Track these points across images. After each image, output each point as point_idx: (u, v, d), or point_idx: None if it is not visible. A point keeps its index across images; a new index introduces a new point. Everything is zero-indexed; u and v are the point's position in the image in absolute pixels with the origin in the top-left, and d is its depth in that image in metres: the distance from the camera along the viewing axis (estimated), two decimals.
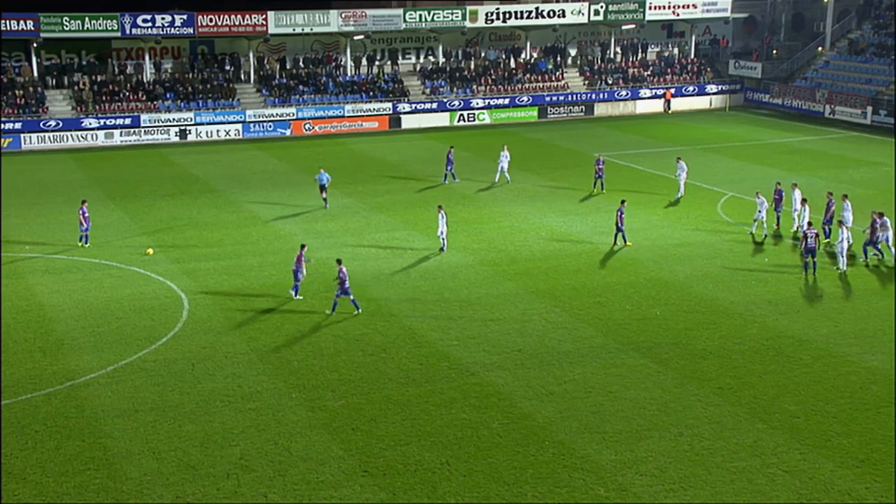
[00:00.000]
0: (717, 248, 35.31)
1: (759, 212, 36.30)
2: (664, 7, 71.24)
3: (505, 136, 58.53)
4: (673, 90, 69.90)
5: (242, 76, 65.31)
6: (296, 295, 30.24)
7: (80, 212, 35.95)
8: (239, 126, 61.27)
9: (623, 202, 36.41)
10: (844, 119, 62.10)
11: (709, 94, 71.14)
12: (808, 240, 31.64)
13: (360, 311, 28.89)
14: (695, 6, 71.75)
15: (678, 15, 71.93)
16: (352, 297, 28.85)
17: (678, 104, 69.67)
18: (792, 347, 26.11)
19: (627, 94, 69.77)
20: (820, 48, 71.53)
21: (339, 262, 29.02)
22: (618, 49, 73.30)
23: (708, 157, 52.77)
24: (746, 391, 23.45)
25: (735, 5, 73.42)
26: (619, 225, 35.40)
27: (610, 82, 70.24)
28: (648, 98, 69.82)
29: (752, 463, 20.12)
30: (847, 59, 68.27)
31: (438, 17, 66.64)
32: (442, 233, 34.87)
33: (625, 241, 35.66)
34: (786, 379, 24.12)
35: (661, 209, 41.07)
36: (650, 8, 70.82)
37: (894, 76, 63.25)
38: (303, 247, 30.66)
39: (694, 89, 70.82)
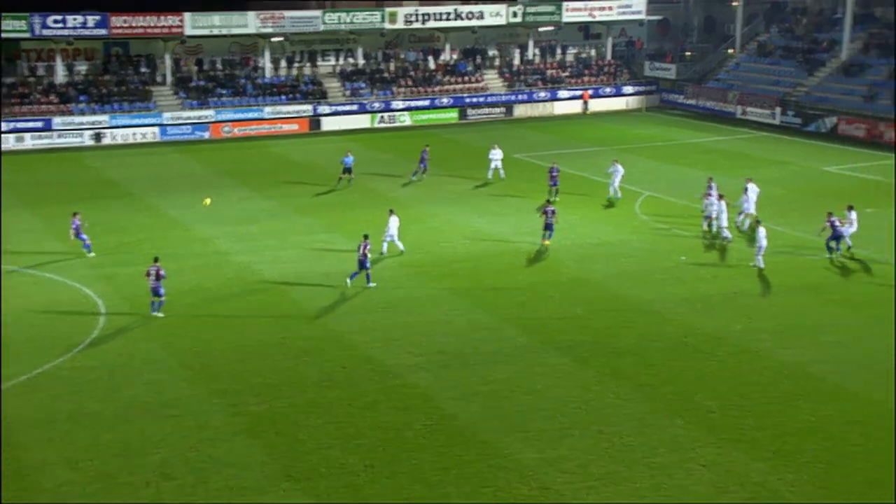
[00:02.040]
0: (636, 248, 35.87)
1: (708, 211, 36.70)
2: (581, 9, 72.20)
3: (426, 137, 58.53)
4: (590, 91, 70.81)
5: (158, 78, 64.16)
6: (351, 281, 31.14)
7: (73, 225, 34.50)
8: (156, 129, 60.17)
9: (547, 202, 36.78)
10: (755, 119, 63.66)
11: (625, 94, 72.24)
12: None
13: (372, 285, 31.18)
14: (611, 8, 72.83)
15: (594, 17, 72.94)
16: (368, 271, 31.21)
17: (596, 105, 70.59)
18: (708, 343, 26.66)
19: (546, 95, 70.46)
20: (731, 50, 73.23)
21: (365, 237, 31.38)
22: (536, 51, 74.02)
23: (625, 157, 53.44)
24: (665, 387, 23.88)
25: (649, 8, 74.72)
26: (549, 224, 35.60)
27: (529, 84, 70.88)
28: (567, 99, 70.61)
29: (671, 458, 20.49)
30: (756, 60, 70.02)
31: (358, 19, 66.43)
32: (391, 236, 34.53)
33: (544, 241, 35.96)
34: (702, 374, 24.63)
35: (581, 209, 41.57)
36: (567, 10, 71.69)
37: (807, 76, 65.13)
38: (366, 237, 31.42)
39: (611, 90, 71.87)
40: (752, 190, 38.08)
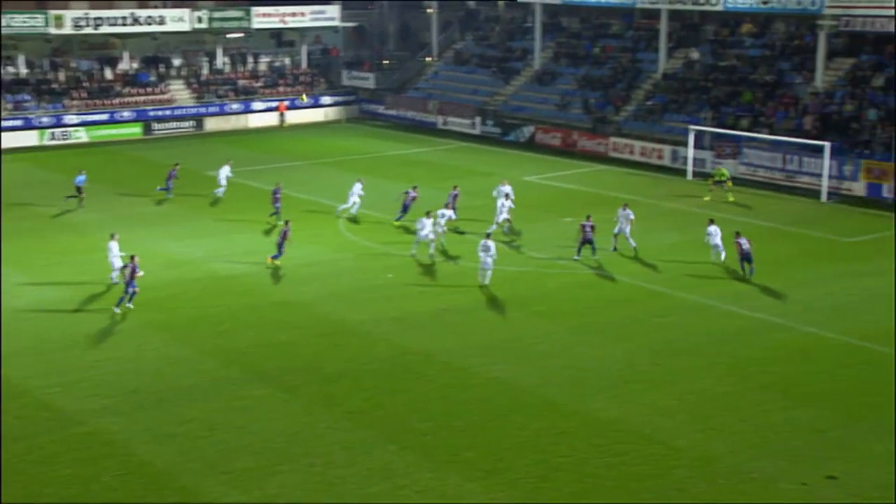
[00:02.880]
0: (342, 266, 36.26)
1: (422, 232, 36.51)
2: (272, 15, 72.09)
3: (106, 154, 56.17)
4: (287, 102, 70.85)
5: None
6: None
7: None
8: None
9: (588, 216, 36.84)
10: (456, 129, 66.38)
11: (324, 105, 72.92)
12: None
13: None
14: (303, 14, 73.30)
15: (287, 23, 73.14)
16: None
17: (293, 117, 70.69)
18: (419, 363, 27.40)
19: (239, 107, 69.74)
20: (428, 58, 75.99)
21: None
22: (226, 59, 73.10)
23: (326, 171, 54.10)
24: (377, 412, 24.27)
25: (344, 14, 75.98)
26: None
27: (220, 95, 69.85)
28: (262, 111, 70.23)
29: (384, 487, 20.84)
30: (454, 69, 73.13)
31: (16, 22, 62.43)
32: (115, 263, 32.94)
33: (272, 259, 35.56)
34: (414, 396, 25.28)
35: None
36: (257, 15, 71.36)
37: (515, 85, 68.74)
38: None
39: (308, 101, 72.29)
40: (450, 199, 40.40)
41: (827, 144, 47.06)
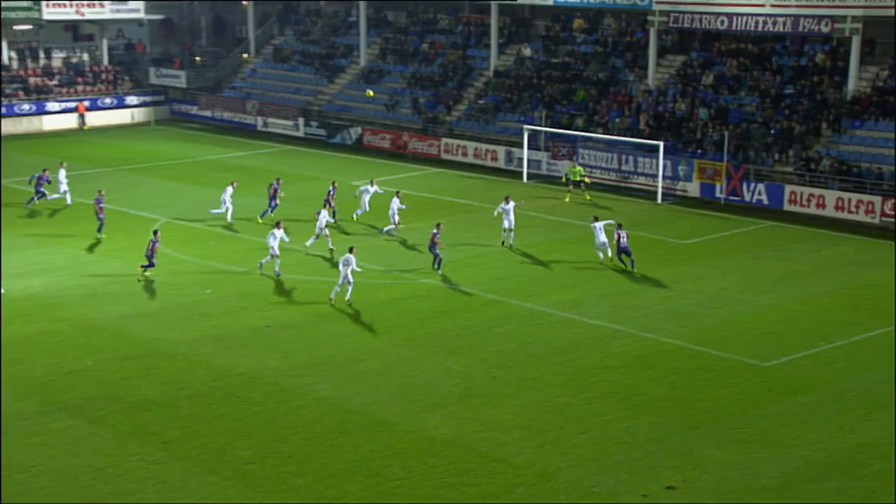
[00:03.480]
0: (155, 282, 35.42)
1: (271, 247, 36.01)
2: (66, 5, 69.68)
3: None
4: (87, 103, 68.73)
5: None
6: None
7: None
8: None
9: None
10: (279, 132, 65.85)
11: (130, 106, 71.03)
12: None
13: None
14: (102, 5, 71.19)
15: (83, 15, 70.89)
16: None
17: (94, 119, 68.65)
18: (242, 386, 27.02)
19: (31, 107, 67.20)
20: (245, 55, 75.12)
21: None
22: (13, 54, 70.25)
23: (134, 178, 52.76)
24: (195, 441, 23.80)
25: (149, 6, 74.24)
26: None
27: (7, 94, 67.06)
28: (58, 112, 67.90)
29: None
30: (274, 66, 72.55)
31: None
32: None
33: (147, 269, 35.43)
34: (238, 422, 24.91)
35: (85, 240, 40.21)
36: (49, 6, 68.80)
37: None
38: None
39: (112, 101, 70.27)
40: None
41: (661, 144, 48.98)
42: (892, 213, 43.35)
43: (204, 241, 40.72)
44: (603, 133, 53.55)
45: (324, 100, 67.71)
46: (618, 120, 54.38)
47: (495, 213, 40.50)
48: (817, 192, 45.60)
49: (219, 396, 26.39)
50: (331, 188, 43.29)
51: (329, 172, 53.91)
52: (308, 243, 38.79)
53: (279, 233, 36.11)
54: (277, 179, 44.34)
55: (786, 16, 50.17)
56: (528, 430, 24.55)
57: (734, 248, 40.65)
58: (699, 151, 50.55)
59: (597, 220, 38.23)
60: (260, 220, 42.77)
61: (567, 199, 48.05)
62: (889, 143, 46.56)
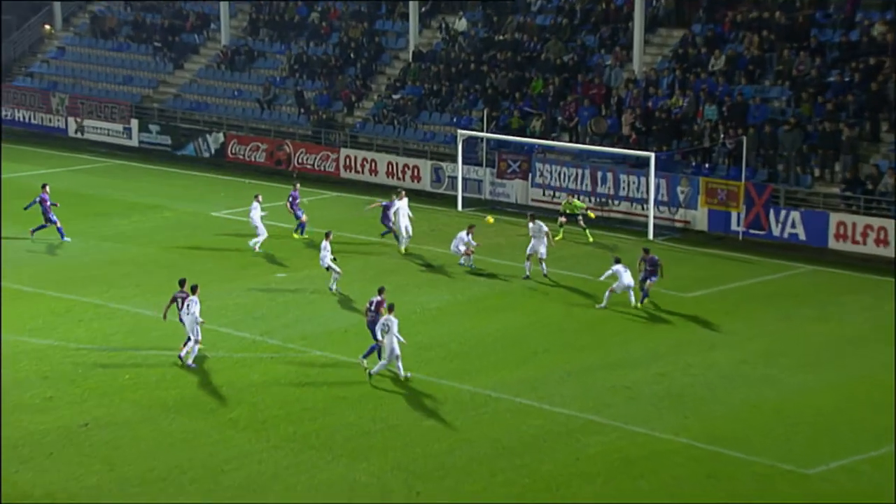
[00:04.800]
0: None
1: None
2: None
3: None
4: None
5: None
6: None
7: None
8: None
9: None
10: (101, 139, 65.33)
11: None
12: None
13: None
14: None
15: None
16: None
17: None
18: None
19: None
20: (47, 26, 74.50)
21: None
22: None
23: None
24: None
25: None
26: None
27: None
28: None
29: None
30: (91, 44, 72.18)
31: None
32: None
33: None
34: None
35: None
36: None
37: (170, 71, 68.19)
38: None
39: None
40: None
41: (652, 155, 48.96)
42: None
43: None
44: (570, 140, 53.78)
45: (168, 94, 67.42)
46: (591, 122, 54.62)
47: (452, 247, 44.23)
48: (876, 222, 46.02)
49: None
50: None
51: (175, 199, 53.54)
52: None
53: (326, 245, 41.17)
54: (295, 186, 48.91)
55: None
56: None
57: (757, 304, 40.96)
58: (706, 166, 50.87)
59: (619, 261, 39.94)
60: (296, 236, 48.47)
61: (559, 237, 47.21)
62: None
